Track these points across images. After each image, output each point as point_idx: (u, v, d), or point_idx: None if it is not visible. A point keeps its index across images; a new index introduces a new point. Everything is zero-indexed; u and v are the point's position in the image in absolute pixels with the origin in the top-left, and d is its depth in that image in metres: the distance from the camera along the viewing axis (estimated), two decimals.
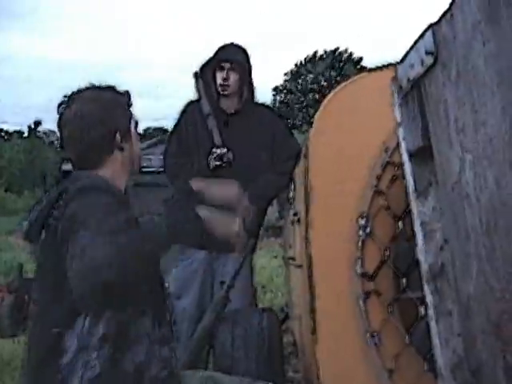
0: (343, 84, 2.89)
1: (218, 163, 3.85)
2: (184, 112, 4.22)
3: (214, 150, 3.87)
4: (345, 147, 2.80)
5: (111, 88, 2.47)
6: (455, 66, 1.47)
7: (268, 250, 16.01)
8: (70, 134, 2.33)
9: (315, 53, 69.17)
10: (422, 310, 2.53)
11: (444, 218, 1.74)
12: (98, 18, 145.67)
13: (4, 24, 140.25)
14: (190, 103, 4.24)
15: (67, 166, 25.59)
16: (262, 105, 4.34)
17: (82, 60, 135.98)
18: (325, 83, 67.89)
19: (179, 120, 4.17)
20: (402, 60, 1.74)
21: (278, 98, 69.79)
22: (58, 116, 2.38)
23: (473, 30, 1.36)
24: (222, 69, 4.03)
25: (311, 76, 67.63)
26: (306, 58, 69.08)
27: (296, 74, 68.82)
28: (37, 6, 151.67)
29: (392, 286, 2.72)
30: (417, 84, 1.68)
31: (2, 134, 78.95)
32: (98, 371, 2.09)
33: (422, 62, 1.59)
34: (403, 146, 1.82)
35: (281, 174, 4.04)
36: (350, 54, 68.66)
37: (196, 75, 4.14)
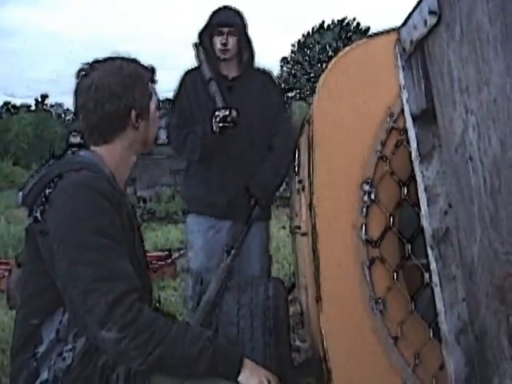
0: (346, 49, 2.85)
1: (221, 125, 3.80)
2: (183, 81, 4.18)
3: (217, 112, 3.82)
4: (348, 113, 2.76)
5: (135, 61, 2.41)
6: (459, 25, 1.43)
7: (276, 220, 16.06)
8: (84, 103, 2.30)
9: (322, 23, 68.82)
10: (426, 276, 2.51)
11: (448, 181, 1.72)
12: None
13: None
14: (188, 72, 4.20)
15: (75, 139, 25.57)
16: (261, 70, 4.29)
17: (91, 34, 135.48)
18: (332, 54, 67.65)
19: (179, 90, 4.14)
20: (405, 22, 1.71)
21: (285, 68, 69.56)
22: (75, 82, 2.35)
23: None
24: (221, 33, 3.97)
25: (319, 46, 67.31)
26: (313, 28, 68.73)
27: (303, 44, 68.53)
28: None
29: (397, 252, 2.71)
30: (420, 45, 1.64)
31: (10, 107, 78.90)
32: (68, 362, 2.12)
33: (426, 23, 1.56)
34: (407, 109, 1.79)
35: (282, 155, 4.04)
36: (358, 24, 68.25)
37: (196, 45, 4.09)
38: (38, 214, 2.15)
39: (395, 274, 2.67)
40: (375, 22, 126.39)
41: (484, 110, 1.37)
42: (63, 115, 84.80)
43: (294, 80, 67.74)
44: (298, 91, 68.17)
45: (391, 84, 2.40)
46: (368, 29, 68.14)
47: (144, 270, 2.38)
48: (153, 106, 2.38)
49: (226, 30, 3.97)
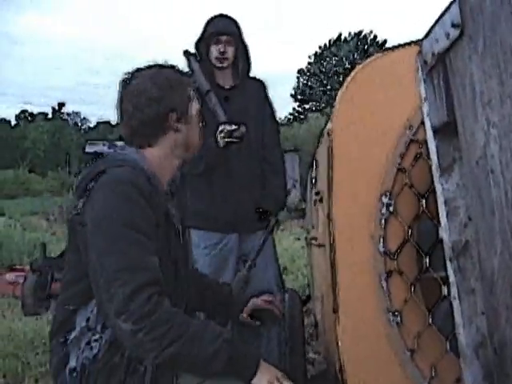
0: (365, 62, 2.86)
1: (228, 140, 3.77)
2: None
3: (222, 126, 3.78)
4: (368, 125, 2.76)
5: (173, 67, 2.48)
6: (482, 38, 1.44)
7: (290, 231, 15.99)
8: (125, 110, 2.38)
9: (339, 35, 68.90)
10: (444, 289, 2.51)
11: (468, 194, 1.72)
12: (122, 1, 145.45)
13: (26, 4, 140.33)
14: None
15: (90, 148, 25.79)
16: (255, 79, 4.26)
17: (109, 42, 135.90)
18: (349, 66, 67.68)
19: None
20: (427, 34, 1.71)
21: (301, 80, 69.69)
22: (118, 91, 2.44)
23: (501, 1, 1.33)
24: (218, 42, 3.93)
25: (335, 59, 67.39)
26: (330, 41, 68.85)
27: (320, 56, 68.64)
28: None
29: (415, 265, 2.70)
30: (442, 58, 1.65)
31: (27, 115, 79.39)
32: (95, 352, 2.14)
33: (448, 36, 1.56)
34: (427, 122, 1.79)
35: (278, 175, 4.06)
36: (375, 37, 68.28)
37: (187, 54, 4.04)
38: (80, 206, 2.22)
39: (413, 287, 2.67)
40: (392, 34, 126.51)
41: (506, 123, 1.37)
42: (80, 123, 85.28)
43: (311, 92, 67.87)
44: (314, 103, 68.24)
45: (410, 96, 2.41)
46: (385, 41, 68.17)
47: (179, 271, 2.41)
48: (193, 109, 2.44)
49: (224, 38, 3.94)
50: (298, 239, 13.76)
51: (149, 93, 2.32)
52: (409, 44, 2.73)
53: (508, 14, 1.30)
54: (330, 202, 2.79)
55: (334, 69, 67.81)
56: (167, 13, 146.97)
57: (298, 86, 69.90)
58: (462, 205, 1.78)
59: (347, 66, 67.67)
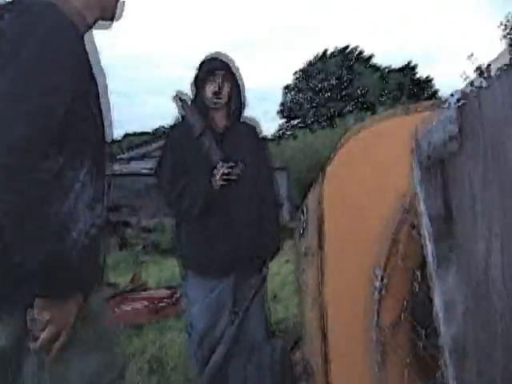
0: (356, 130, 2.81)
1: (225, 180, 3.73)
2: (169, 137, 4.08)
3: (219, 165, 3.74)
4: (359, 196, 2.71)
5: None
6: (482, 143, 1.38)
7: (280, 253, 15.85)
8: None
9: (325, 51, 69.12)
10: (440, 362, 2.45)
11: (467, 292, 1.66)
12: None
13: None
14: (173, 127, 4.13)
15: None
16: (247, 123, 4.22)
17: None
18: (335, 82, 67.90)
19: (166, 146, 4.03)
20: (424, 134, 1.66)
21: (288, 96, 69.79)
22: None
23: (502, 107, 1.28)
24: (215, 78, 3.88)
25: (322, 75, 67.54)
26: (315, 57, 69.03)
27: (306, 72, 68.78)
28: None
29: (409, 337, 2.64)
30: (440, 160, 1.59)
31: None
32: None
33: (446, 138, 1.51)
34: (424, 220, 1.73)
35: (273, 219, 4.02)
36: (360, 52, 68.60)
37: (178, 98, 4.00)
38: None
39: (407, 361, 2.61)
40: (378, 49, 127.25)
41: (509, 234, 1.32)
42: None
43: (298, 108, 67.96)
44: (301, 119, 68.32)
45: (402, 167, 2.36)
46: (370, 57, 68.51)
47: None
48: None
49: (220, 73, 3.91)
50: (288, 261, 13.58)
51: None
52: (397, 114, 2.67)
53: (510, 120, 1.25)
54: (321, 270, 2.73)
55: (321, 84, 67.96)
56: (158, 31, 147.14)
57: (285, 103, 70.03)
58: (460, 301, 1.72)
59: (334, 81, 68.01)
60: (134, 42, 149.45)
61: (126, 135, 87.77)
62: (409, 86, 63.91)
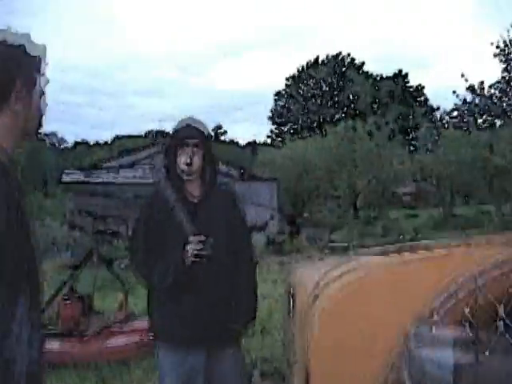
0: (340, 288, 2.78)
1: (196, 258, 3.67)
2: (146, 204, 4.02)
3: (190, 240, 3.67)
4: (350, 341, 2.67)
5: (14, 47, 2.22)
6: None
7: (268, 271, 15.59)
8: None
9: (317, 58, 69.33)
10: None
11: None
12: (99, 17, 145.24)
13: (6, 23, 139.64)
14: (152, 193, 4.07)
15: (67, 178, 25.66)
16: (224, 190, 4.15)
17: (84, 59, 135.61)
18: (327, 88, 68.07)
19: (142, 213, 3.96)
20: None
21: (279, 102, 69.97)
22: None
23: None
24: (185, 148, 3.80)
25: (313, 81, 67.74)
26: (307, 63, 69.20)
27: (298, 79, 68.97)
28: (37, 6, 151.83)
29: None
30: None
31: None
32: None
33: None
34: None
35: (249, 286, 3.98)
36: (352, 59, 68.81)
37: (151, 168, 3.98)
38: None
39: None
40: (369, 56, 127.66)
41: None
42: (57, 144, 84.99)
43: (288, 114, 68.14)
44: (291, 125, 68.48)
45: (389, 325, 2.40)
46: (362, 64, 68.71)
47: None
48: (36, 93, 2.21)
49: (192, 142, 3.81)
50: (275, 281, 13.33)
51: None
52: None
53: None
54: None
55: (312, 91, 68.19)
56: (147, 32, 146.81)
57: (276, 109, 70.18)
58: None
59: (325, 88, 68.18)
60: (125, 43, 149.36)
61: (116, 137, 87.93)
62: (400, 94, 64.06)
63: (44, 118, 2.28)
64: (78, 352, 6.67)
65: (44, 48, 2.33)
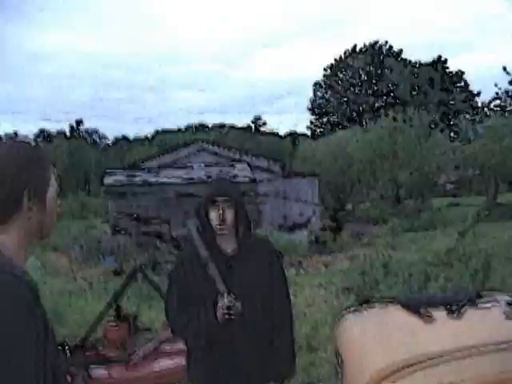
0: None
1: (226, 316, 3.63)
2: (179, 260, 4.00)
3: (220, 300, 3.64)
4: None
5: (28, 144, 2.25)
6: None
7: (313, 273, 15.47)
8: None
9: (354, 46, 68.91)
10: None
11: None
12: (138, 11, 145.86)
13: (41, 20, 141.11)
14: (184, 250, 4.08)
15: (109, 179, 25.77)
16: (261, 240, 4.12)
17: (125, 54, 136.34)
18: (365, 77, 67.69)
19: (176, 269, 3.95)
20: None
21: (318, 93, 69.71)
22: None
23: None
24: (216, 205, 3.78)
25: (351, 70, 67.39)
26: (345, 52, 68.85)
27: (336, 68, 68.65)
28: (75, 1, 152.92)
29: None
30: None
31: (45, 135, 79.75)
32: None
33: None
34: None
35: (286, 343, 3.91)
36: (390, 47, 68.23)
37: (187, 224, 3.97)
38: None
39: None
40: (407, 43, 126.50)
41: None
42: (98, 140, 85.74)
43: (327, 104, 67.90)
44: (331, 115, 68.27)
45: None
46: (401, 51, 68.10)
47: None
48: (50, 194, 2.19)
49: (221, 199, 3.79)
50: (321, 285, 13.17)
51: (4, 170, 2.11)
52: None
53: None
54: None
55: (351, 80, 67.81)
56: (186, 28, 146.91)
57: (315, 99, 69.92)
58: None
59: (363, 77, 67.77)
60: (164, 37, 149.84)
61: (157, 132, 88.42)
62: (440, 80, 63.37)
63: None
64: (126, 378, 6.67)
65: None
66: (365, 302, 3.81)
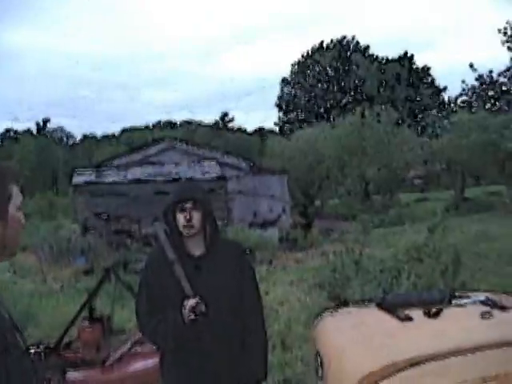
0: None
1: (192, 317, 3.64)
2: (148, 263, 4.01)
3: (185, 302, 3.65)
4: None
5: None
6: None
7: (283, 270, 15.44)
8: None
9: (321, 43, 69.05)
10: None
11: None
12: (106, 7, 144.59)
13: (7, 18, 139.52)
14: (152, 253, 4.07)
15: (78, 179, 25.62)
16: (229, 242, 4.15)
17: (93, 52, 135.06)
18: (332, 74, 67.85)
19: (145, 272, 3.95)
20: None
21: (285, 89, 69.76)
22: None
23: None
24: (184, 209, 3.80)
25: (319, 67, 67.52)
26: (312, 49, 68.96)
27: (303, 65, 68.75)
28: None
29: None
30: None
31: (11, 134, 79.02)
32: None
33: None
34: None
35: (259, 342, 3.92)
36: (357, 43, 68.51)
37: (155, 227, 4.01)
38: None
39: None
40: (374, 39, 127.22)
41: None
42: (65, 139, 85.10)
43: (295, 101, 67.97)
44: (298, 111, 68.35)
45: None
46: (367, 47, 68.40)
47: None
48: (12, 208, 2.21)
49: (189, 205, 3.80)
50: (292, 283, 13.17)
51: None
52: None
53: None
54: None
55: (318, 77, 67.99)
56: (156, 20, 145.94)
57: (282, 96, 70.01)
58: None
59: (331, 73, 67.94)
60: (133, 32, 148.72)
61: (124, 130, 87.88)
62: (406, 76, 63.78)
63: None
64: (101, 381, 6.65)
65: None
66: (342, 303, 3.86)
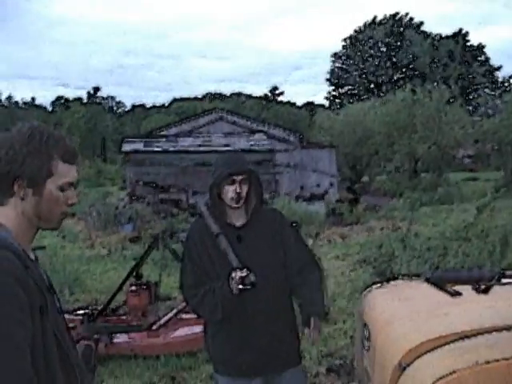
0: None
1: (240, 287, 3.64)
2: (190, 235, 3.99)
3: (233, 274, 3.65)
4: None
5: (58, 137, 2.24)
6: None
7: (329, 244, 15.34)
8: None
9: (374, 18, 68.32)
10: None
11: None
12: None
13: None
14: (195, 224, 4.05)
15: (127, 148, 25.78)
16: (268, 210, 4.12)
17: (143, 21, 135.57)
18: (384, 49, 67.18)
19: (188, 245, 3.95)
20: None
21: (336, 64, 69.30)
22: None
23: None
24: (234, 182, 3.79)
25: (371, 42, 66.86)
26: (365, 24, 68.29)
27: (355, 39, 68.15)
28: None
29: None
30: None
31: (62, 101, 79.83)
32: None
33: None
34: None
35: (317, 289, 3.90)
36: (411, 19, 67.59)
37: (197, 203, 3.98)
38: None
39: None
40: (428, 16, 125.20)
41: None
42: (115, 108, 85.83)
43: (346, 75, 67.49)
44: (349, 87, 67.87)
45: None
46: (421, 23, 67.48)
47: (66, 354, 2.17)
48: (51, 185, 2.20)
49: (239, 178, 3.79)
50: (338, 257, 13.11)
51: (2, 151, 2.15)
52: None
53: None
54: None
55: (370, 52, 67.34)
56: None
57: (333, 70, 69.49)
58: None
59: (383, 49, 67.25)
60: (182, 5, 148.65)
61: (175, 100, 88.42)
62: (460, 54, 62.80)
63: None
64: (146, 345, 6.76)
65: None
66: (390, 277, 3.85)
